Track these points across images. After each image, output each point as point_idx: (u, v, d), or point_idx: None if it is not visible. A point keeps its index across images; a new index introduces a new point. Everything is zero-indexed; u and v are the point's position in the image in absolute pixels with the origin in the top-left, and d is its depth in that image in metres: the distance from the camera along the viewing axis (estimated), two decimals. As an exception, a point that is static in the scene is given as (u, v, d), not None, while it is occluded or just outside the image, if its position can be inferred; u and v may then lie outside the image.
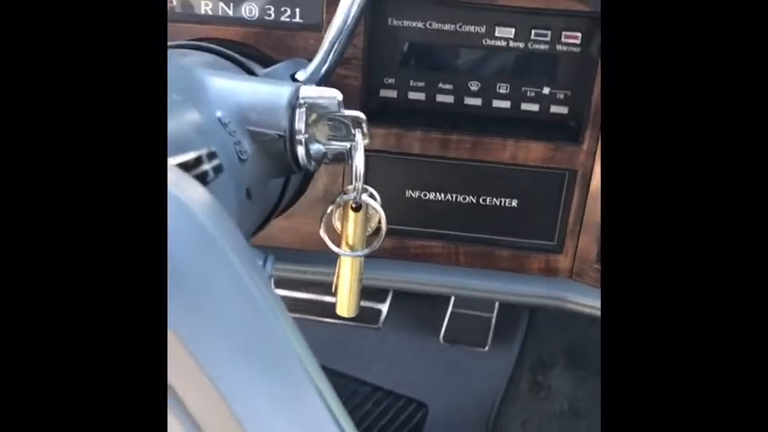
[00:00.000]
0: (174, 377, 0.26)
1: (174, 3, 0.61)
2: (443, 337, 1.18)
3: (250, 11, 0.61)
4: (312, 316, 1.14)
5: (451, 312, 1.16)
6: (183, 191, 0.28)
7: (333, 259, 0.57)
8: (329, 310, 1.13)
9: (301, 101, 0.45)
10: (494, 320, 1.16)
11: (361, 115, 0.47)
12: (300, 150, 0.45)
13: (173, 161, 0.29)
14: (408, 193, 0.65)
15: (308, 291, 1.15)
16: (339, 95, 0.46)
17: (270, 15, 0.61)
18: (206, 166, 0.30)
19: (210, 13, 0.61)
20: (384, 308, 1.17)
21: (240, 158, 0.43)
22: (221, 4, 0.61)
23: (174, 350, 0.25)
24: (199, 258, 0.27)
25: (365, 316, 1.17)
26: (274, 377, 0.27)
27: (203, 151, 0.30)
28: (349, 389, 1.12)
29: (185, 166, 0.29)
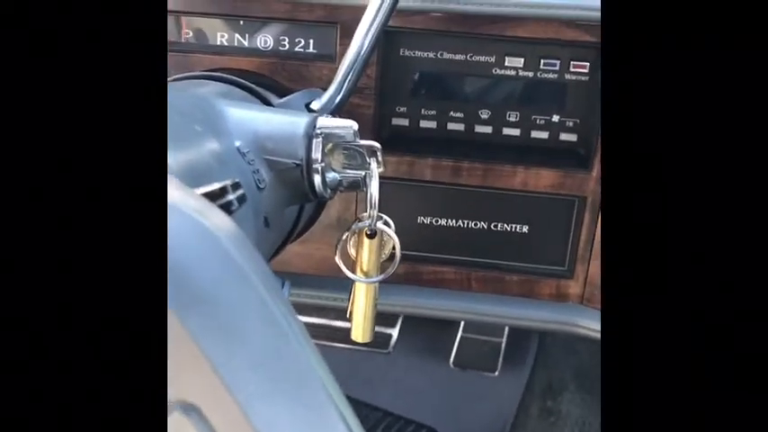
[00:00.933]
0: (201, 400, 0.26)
1: (190, 34, 0.63)
2: (453, 361, 1.18)
3: (265, 42, 0.62)
4: (322, 341, 1.14)
5: (461, 337, 1.16)
6: (208, 219, 0.29)
7: (345, 284, 0.58)
8: (339, 334, 1.14)
9: (318, 131, 0.46)
10: (503, 345, 1.16)
11: (377, 144, 0.48)
12: (317, 179, 0.46)
13: (198, 191, 0.30)
14: (420, 219, 0.66)
15: (318, 315, 1.16)
16: (355, 125, 0.47)
17: (284, 46, 0.62)
18: (230, 197, 0.31)
19: (226, 44, 0.62)
20: (394, 332, 1.18)
21: (258, 187, 0.44)
22: (236, 35, 0.62)
23: (202, 373, 0.26)
24: (226, 285, 0.28)
25: (375, 341, 1.17)
26: (300, 402, 0.28)
27: (228, 182, 0.32)
28: (359, 414, 1.12)
29: (210, 196, 0.30)
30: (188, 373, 0.27)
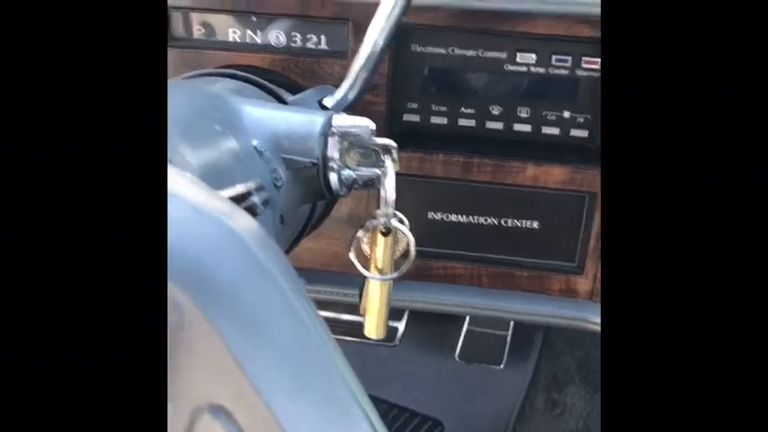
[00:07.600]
0: (228, 400, 0.27)
1: (202, 30, 0.63)
2: (459, 354, 1.18)
3: (277, 38, 0.62)
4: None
5: (467, 330, 1.17)
6: (234, 221, 0.29)
7: (354, 280, 0.58)
8: (345, 327, 1.15)
9: (334, 129, 0.46)
10: (509, 338, 1.16)
11: (392, 143, 0.48)
12: (333, 177, 0.47)
13: (224, 194, 0.31)
14: (431, 214, 0.66)
15: (325, 309, 1.16)
16: (372, 125, 0.47)
17: (296, 42, 0.62)
18: (255, 199, 0.31)
19: (238, 40, 0.63)
20: (400, 326, 1.18)
21: (276, 186, 0.44)
22: (248, 31, 0.62)
23: (229, 371, 0.27)
24: (251, 283, 0.28)
25: (381, 334, 1.18)
26: (322, 398, 0.28)
27: (252, 185, 0.32)
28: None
29: (236, 199, 0.31)
30: (215, 374, 0.27)
